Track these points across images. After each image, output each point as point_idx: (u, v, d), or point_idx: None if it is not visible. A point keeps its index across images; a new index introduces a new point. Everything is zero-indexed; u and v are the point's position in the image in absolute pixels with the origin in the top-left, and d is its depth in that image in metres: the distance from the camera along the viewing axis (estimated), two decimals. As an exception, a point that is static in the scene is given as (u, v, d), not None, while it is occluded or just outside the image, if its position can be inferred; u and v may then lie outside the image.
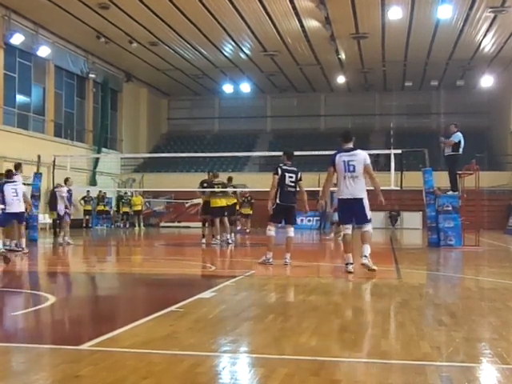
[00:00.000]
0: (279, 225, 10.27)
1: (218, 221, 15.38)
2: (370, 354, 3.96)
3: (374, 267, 8.36)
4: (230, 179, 16.88)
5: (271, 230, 9.93)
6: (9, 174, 13.08)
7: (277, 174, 9.83)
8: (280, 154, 10.68)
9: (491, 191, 26.91)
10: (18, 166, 13.75)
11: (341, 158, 8.62)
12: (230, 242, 15.50)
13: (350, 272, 8.48)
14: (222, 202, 15.43)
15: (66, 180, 16.49)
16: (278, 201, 9.83)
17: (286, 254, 9.89)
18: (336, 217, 18.86)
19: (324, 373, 3.48)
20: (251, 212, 21.36)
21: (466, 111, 35.68)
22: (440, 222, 14.63)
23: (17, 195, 12.64)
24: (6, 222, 12.62)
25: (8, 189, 12.57)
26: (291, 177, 9.85)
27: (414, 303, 6.13)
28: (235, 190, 17.04)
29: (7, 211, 12.37)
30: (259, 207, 27.32)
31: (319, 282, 8.23)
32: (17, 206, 12.54)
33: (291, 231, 10.06)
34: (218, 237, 15.51)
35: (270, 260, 9.85)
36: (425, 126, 36.08)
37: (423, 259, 12.56)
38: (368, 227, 8.63)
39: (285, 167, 9.93)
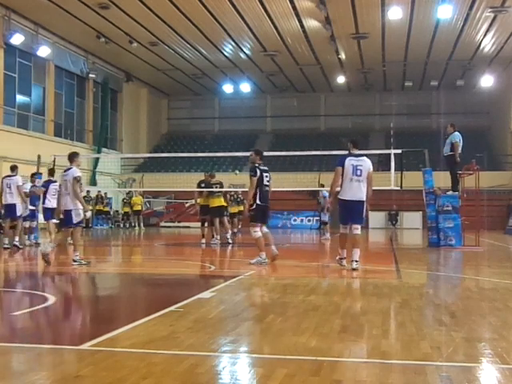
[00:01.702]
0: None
1: (217, 221, 15.39)
2: (370, 354, 3.96)
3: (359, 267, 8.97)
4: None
5: (257, 232, 9.92)
6: (51, 173, 14.80)
7: (255, 175, 9.82)
8: (281, 154, 10.78)
9: (491, 191, 26.91)
10: (14, 168, 14.22)
11: (350, 162, 9.06)
12: (229, 241, 15.49)
13: (343, 266, 9.10)
14: (220, 202, 15.44)
15: None
16: (258, 201, 9.82)
17: (263, 254, 9.92)
18: (325, 217, 18.93)
19: (324, 373, 3.48)
20: (238, 211, 21.01)
21: (466, 111, 35.73)
22: (440, 222, 14.62)
23: (55, 194, 14.07)
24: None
25: (51, 188, 14.16)
26: (267, 176, 9.96)
27: (414, 303, 6.12)
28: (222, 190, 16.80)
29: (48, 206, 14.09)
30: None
31: (319, 282, 8.24)
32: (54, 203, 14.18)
33: (265, 230, 10.13)
34: (218, 237, 15.50)
35: (266, 260, 9.90)
36: (425, 126, 36.13)
37: (423, 259, 12.55)
38: (359, 230, 9.13)
39: (262, 167, 9.99)
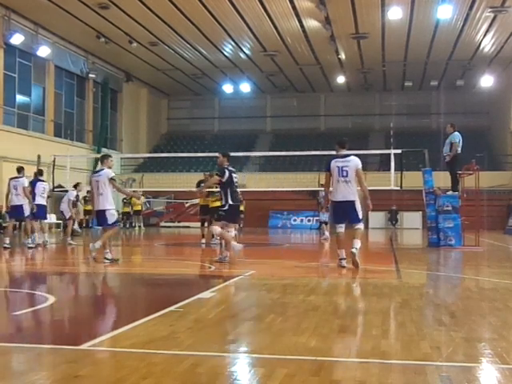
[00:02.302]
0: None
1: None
2: (370, 354, 3.96)
3: (358, 262, 8.96)
4: None
5: (218, 229, 10.31)
6: (40, 173, 15.23)
7: (223, 176, 10.12)
8: (281, 154, 11.05)
9: (491, 191, 26.91)
10: (20, 169, 14.44)
11: (335, 164, 9.21)
12: (218, 243, 15.40)
13: (343, 266, 9.08)
14: (220, 202, 15.43)
15: (77, 185, 16.90)
16: (230, 201, 10.13)
17: (226, 253, 10.22)
18: (324, 217, 18.95)
19: (324, 373, 3.48)
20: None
21: (466, 111, 35.73)
22: (440, 222, 14.62)
23: (44, 193, 14.87)
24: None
25: (39, 186, 14.60)
26: (236, 177, 10.35)
27: (414, 303, 6.12)
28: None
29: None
30: (254, 206, 27.36)
31: (319, 282, 8.24)
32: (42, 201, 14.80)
33: (233, 231, 10.51)
34: (218, 237, 15.47)
35: (227, 258, 10.13)
36: (425, 126, 36.13)
37: (423, 259, 12.55)
38: (359, 225, 9.26)
39: (230, 169, 10.34)
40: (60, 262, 11.65)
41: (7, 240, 13.65)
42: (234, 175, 10.23)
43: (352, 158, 9.27)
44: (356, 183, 9.18)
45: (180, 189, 25.86)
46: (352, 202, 9.12)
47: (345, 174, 9.07)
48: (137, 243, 19.33)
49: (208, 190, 15.57)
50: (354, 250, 8.91)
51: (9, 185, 14.14)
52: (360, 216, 9.23)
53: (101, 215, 10.14)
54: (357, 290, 7.58)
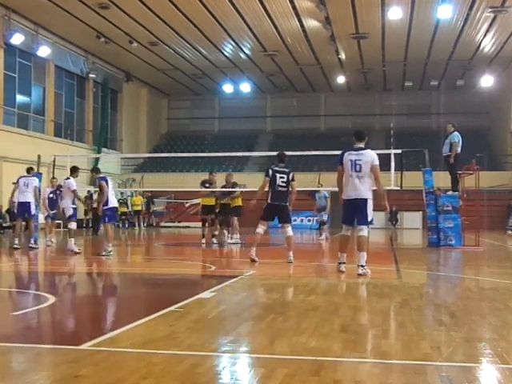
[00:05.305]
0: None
1: (217, 221, 15.45)
2: (370, 354, 3.96)
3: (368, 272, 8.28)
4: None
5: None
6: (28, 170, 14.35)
7: (268, 175, 10.84)
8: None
9: (491, 191, 26.90)
10: (29, 170, 14.34)
11: (348, 157, 8.33)
12: (239, 242, 15.32)
13: (342, 271, 8.50)
14: (239, 202, 15.50)
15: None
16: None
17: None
18: (324, 216, 18.91)
19: (324, 373, 3.48)
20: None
21: (466, 111, 35.72)
22: (440, 222, 14.63)
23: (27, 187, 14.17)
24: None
25: (20, 182, 13.86)
26: (281, 177, 10.75)
27: (414, 303, 6.12)
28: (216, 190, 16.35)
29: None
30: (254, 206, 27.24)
31: (319, 282, 8.23)
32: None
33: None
34: (235, 235, 15.51)
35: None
36: (425, 126, 36.13)
37: (423, 259, 12.55)
38: (364, 231, 8.34)
39: (275, 168, 10.85)
40: (60, 262, 11.64)
41: (16, 240, 13.51)
42: (277, 175, 10.76)
43: (367, 151, 8.33)
44: (371, 180, 8.27)
45: (180, 189, 25.86)
46: (364, 201, 8.23)
47: (358, 168, 8.18)
48: (137, 243, 19.33)
49: (212, 190, 15.55)
50: (360, 271, 8.13)
51: (18, 182, 13.83)
52: (369, 218, 8.34)
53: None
54: (357, 289, 7.56)
